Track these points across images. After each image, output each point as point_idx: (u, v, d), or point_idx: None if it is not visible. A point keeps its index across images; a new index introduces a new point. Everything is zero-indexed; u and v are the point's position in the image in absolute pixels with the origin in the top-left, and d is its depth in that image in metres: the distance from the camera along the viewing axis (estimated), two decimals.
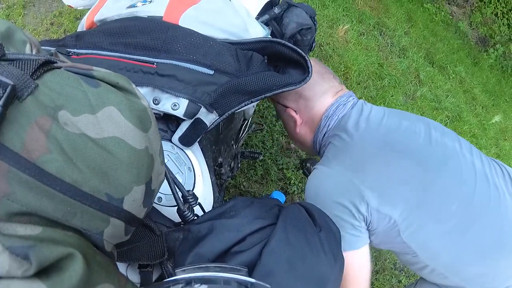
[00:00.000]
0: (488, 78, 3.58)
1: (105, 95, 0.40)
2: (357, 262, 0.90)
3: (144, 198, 0.45)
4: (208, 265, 0.51)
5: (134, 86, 0.45)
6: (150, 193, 0.47)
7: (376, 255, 1.91)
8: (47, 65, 0.39)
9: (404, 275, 1.95)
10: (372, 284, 1.83)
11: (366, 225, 0.88)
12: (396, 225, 0.85)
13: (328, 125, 0.97)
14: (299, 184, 1.83)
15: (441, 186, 0.87)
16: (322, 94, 0.99)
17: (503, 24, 3.98)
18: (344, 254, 0.82)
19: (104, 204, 0.39)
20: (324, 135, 0.99)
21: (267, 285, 0.50)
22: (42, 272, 0.32)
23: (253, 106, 1.16)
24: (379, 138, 0.91)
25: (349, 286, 0.90)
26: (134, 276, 0.65)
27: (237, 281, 0.48)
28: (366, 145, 0.90)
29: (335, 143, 0.94)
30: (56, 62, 0.41)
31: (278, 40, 0.81)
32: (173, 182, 0.63)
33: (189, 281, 0.48)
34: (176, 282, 0.48)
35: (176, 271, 0.51)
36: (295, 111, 1.02)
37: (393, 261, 1.96)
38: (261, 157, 1.42)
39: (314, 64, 0.98)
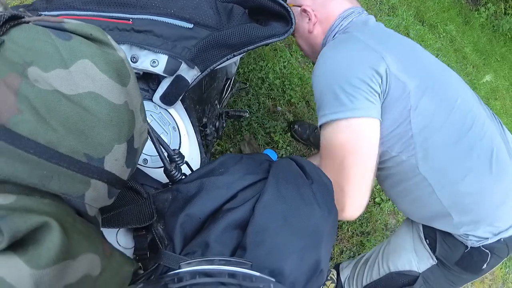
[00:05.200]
0: (479, 37, 3.54)
1: (78, 47, 0.37)
2: (369, 132, 0.84)
3: (126, 158, 0.42)
4: (213, 258, 0.50)
5: (109, 37, 0.42)
6: (133, 152, 0.44)
7: (367, 216, 1.92)
8: (13, 20, 0.36)
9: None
10: (363, 245, 1.85)
11: (381, 92, 0.85)
12: (409, 97, 0.84)
13: (341, 25, 0.98)
14: (287, 148, 1.81)
15: (449, 79, 0.93)
16: None
17: None
18: (357, 120, 0.82)
19: (83, 165, 0.36)
20: (334, 34, 0.99)
21: (272, 279, 0.50)
22: (18, 245, 0.30)
23: (235, 64, 1.12)
24: (395, 37, 0.96)
25: (355, 157, 0.84)
26: (125, 242, 0.63)
27: (242, 274, 0.47)
28: (383, 33, 0.95)
29: (348, 31, 0.96)
30: (23, 17, 0.37)
31: None
32: (158, 141, 0.60)
33: (193, 275, 0.47)
34: (180, 275, 0.47)
35: (180, 264, 0.50)
36: (312, 9, 1.02)
37: (384, 222, 1.98)
38: (247, 115, 1.39)
39: None
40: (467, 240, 0.93)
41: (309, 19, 1.03)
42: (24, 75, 0.33)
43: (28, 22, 0.37)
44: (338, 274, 1.28)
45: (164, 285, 0.46)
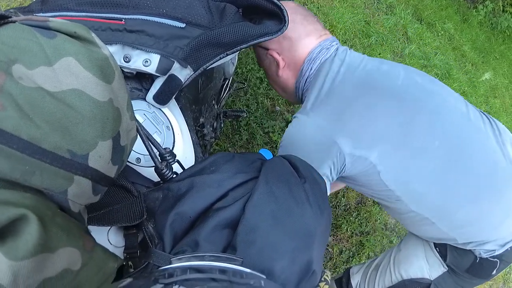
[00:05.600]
0: (478, 35, 3.54)
1: (62, 45, 0.37)
2: None
3: (112, 155, 0.42)
4: (204, 254, 0.50)
5: (93, 34, 0.42)
6: (119, 149, 0.44)
7: (367, 216, 1.92)
8: (0, 20, 0.36)
9: (395, 235, 1.97)
10: (362, 245, 1.86)
11: (336, 171, 0.87)
12: (374, 166, 0.84)
13: (311, 69, 0.95)
14: None
15: (422, 122, 0.86)
16: (306, 36, 0.96)
17: None
18: None
19: (66, 161, 0.37)
20: (306, 79, 0.97)
21: (262, 276, 0.49)
22: None
23: (233, 64, 1.12)
24: (358, 81, 0.90)
25: None
26: (116, 240, 0.63)
27: (233, 270, 0.47)
28: (345, 90, 0.89)
29: (314, 91, 0.92)
30: (10, 17, 0.38)
31: None
32: (148, 139, 0.60)
33: (184, 270, 0.47)
34: (171, 270, 0.47)
35: (171, 259, 0.50)
36: (278, 53, 0.98)
37: (383, 222, 1.97)
38: (245, 115, 1.40)
39: (297, 7, 0.97)
40: (475, 251, 0.95)
41: (277, 64, 1.00)
42: (8, 73, 0.34)
43: (14, 22, 0.38)
44: (347, 279, 1.29)
45: (154, 280, 0.46)
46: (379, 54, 2.36)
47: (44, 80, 0.35)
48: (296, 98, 1.06)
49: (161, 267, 0.50)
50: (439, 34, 3.05)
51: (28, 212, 0.32)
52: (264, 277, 0.50)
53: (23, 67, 0.34)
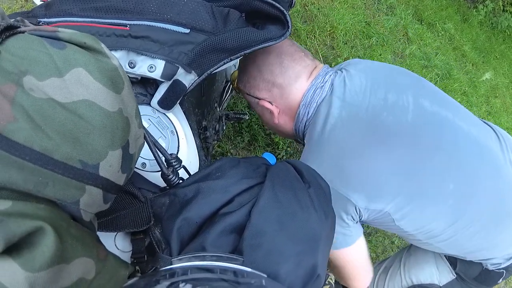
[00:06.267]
0: (478, 35, 3.55)
1: (72, 56, 0.38)
2: (353, 256, 0.94)
3: (122, 163, 0.43)
4: (205, 254, 0.50)
5: (102, 45, 0.43)
6: (128, 158, 0.45)
7: None
8: (9, 31, 0.36)
9: (396, 236, 1.98)
10: None
11: (356, 221, 0.88)
12: (389, 214, 0.84)
13: (308, 113, 0.90)
14: (288, 149, 1.81)
15: (435, 167, 0.83)
16: (296, 79, 0.91)
17: None
18: (338, 252, 0.90)
19: (78, 172, 0.37)
20: (305, 124, 0.93)
21: (263, 274, 0.50)
22: (13, 249, 0.31)
23: (235, 66, 1.13)
24: (363, 126, 0.84)
25: (350, 279, 0.98)
26: (123, 245, 0.64)
27: (234, 270, 0.48)
28: (348, 138, 0.83)
29: (314, 138, 0.87)
30: (19, 27, 0.38)
31: None
32: (154, 146, 0.61)
33: (185, 270, 0.47)
34: (172, 271, 0.47)
35: (172, 260, 0.50)
36: (269, 102, 0.94)
37: None
38: (247, 117, 1.40)
39: (282, 46, 0.92)
40: (482, 263, 0.98)
41: (271, 112, 0.96)
42: (19, 84, 0.34)
43: (23, 32, 0.38)
44: None
45: (156, 281, 0.47)
46: (380, 55, 2.36)
47: (54, 91, 0.36)
48: (298, 139, 1.03)
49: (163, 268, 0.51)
50: (440, 34, 3.05)
51: (45, 224, 0.33)
52: (265, 276, 0.51)
53: (34, 79, 0.35)
